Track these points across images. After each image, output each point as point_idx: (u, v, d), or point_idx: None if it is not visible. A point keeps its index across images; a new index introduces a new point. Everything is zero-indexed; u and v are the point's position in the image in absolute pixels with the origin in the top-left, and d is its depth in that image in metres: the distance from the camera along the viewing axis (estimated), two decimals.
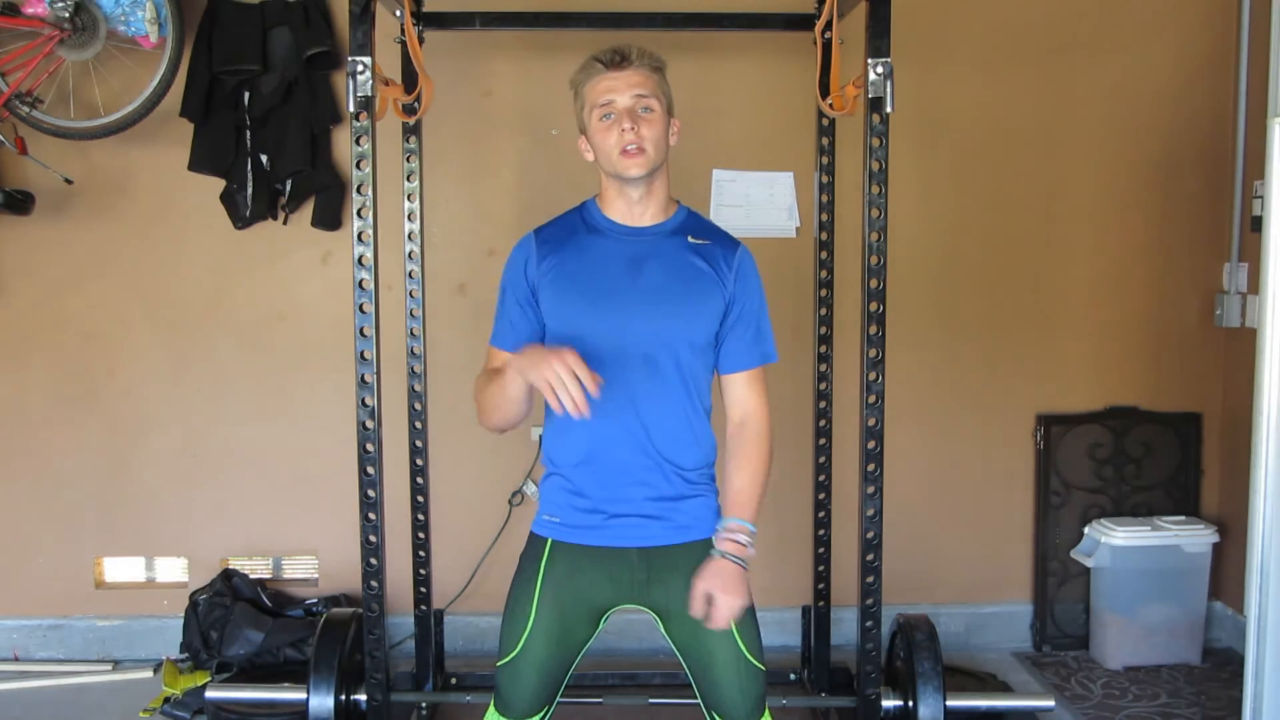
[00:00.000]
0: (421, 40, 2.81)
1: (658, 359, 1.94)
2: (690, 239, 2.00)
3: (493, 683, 2.03)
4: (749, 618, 1.98)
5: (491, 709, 2.02)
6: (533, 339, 1.98)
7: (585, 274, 1.96)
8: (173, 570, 3.58)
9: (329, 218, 3.36)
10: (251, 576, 3.49)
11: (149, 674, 3.38)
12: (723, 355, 2.02)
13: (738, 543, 1.92)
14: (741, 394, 2.03)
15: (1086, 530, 3.51)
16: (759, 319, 2.03)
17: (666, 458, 1.95)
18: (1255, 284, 3.07)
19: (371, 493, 2.53)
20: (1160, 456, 3.59)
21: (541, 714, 2.00)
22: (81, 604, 3.51)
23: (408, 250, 3.06)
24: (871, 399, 2.51)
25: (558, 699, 2.03)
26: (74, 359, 3.44)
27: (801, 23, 2.98)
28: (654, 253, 1.97)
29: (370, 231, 2.46)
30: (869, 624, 2.61)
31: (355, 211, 2.45)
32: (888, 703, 2.70)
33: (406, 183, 3.04)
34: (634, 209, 1.98)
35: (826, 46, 2.81)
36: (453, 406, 3.30)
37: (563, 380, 1.72)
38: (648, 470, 1.95)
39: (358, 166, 2.44)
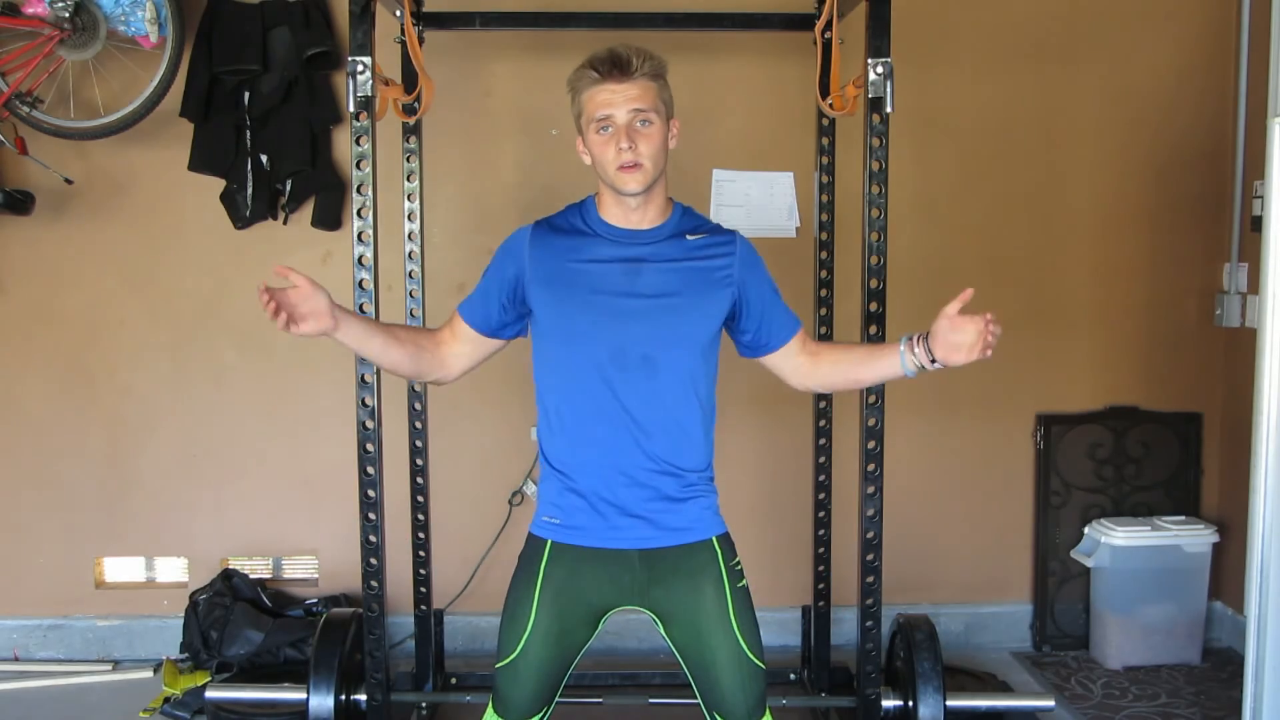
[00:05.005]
0: (421, 40, 2.81)
1: (657, 360, 1.94)
2: (689, 237, 2.01)
3: (492, 683, 2.03)
4: (749, 615, 1.98)
5: (490, 710, 2.02)
6: (487, 321, 2.02)
7: (583, 276, 1.96)
8: (173, 570, 3.58)
9: (329, 218, 3.36)
10: (251, 576, 3.49)
11: (149, 674, 3.38)
12: (767, 336, 2.06)
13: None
14: (803, 352, 2.09)
15: (1086, 530, 3.51)
16: (777, 294, 2.07)
17: (665, 460, 1.95)
18: (1255, 284, 3.07)
19: (371, 493, 2.53)
20: (1160, 456, 3.59)
21: (540, 715, 2.00)
22: (81, 604, 3.51)
23: (408, 250, 3.06)
24: (871, 399, 2.52)
25: (556, 699, 2.03)
26: (74, 359, 3.44)
27: (801, 23, 2.97)
28: (653, 255, 1.98)
29: (370, 231, 2.46)
30: (869, 624, 2.61)
31: (355, 211, 2.45)
32: (888, 703, 2.70)
33: (406, 183, 3.04)
34: (631, 216, 1.98)
35: (826, 46, 2.81)
36: (453, 406, 3.30)
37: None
38: (646, 472, 1.95)
39: (358, 166, 2.44)
